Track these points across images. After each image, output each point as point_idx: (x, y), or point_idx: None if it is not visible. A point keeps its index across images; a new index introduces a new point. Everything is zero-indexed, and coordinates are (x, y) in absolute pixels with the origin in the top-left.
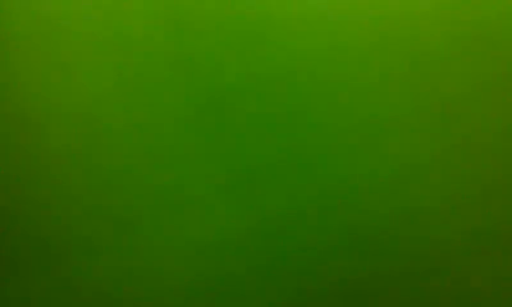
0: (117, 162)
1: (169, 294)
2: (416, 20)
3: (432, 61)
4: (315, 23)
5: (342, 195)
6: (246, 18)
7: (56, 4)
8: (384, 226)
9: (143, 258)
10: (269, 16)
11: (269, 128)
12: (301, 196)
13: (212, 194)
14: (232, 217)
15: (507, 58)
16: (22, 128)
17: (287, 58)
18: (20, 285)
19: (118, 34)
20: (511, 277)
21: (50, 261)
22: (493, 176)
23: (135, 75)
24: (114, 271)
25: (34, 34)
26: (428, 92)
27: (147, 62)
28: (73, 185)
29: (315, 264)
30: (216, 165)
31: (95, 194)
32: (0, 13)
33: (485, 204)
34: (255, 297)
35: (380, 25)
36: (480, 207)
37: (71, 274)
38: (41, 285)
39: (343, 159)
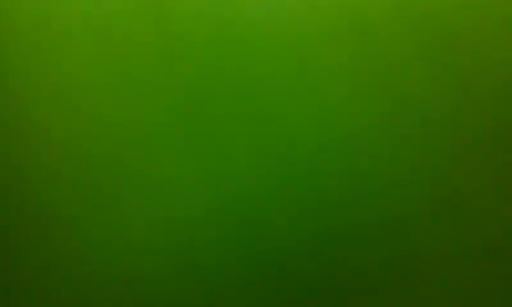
0: (97, 145)
1: (144, 267)
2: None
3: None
4: (297, 22)
5: (313, 171)
6: (229, 16)
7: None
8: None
9: (120, 235)
10: (252, 14)
11: (244, 116)
12: (273, 175)
13: (184, 174)
14: (203, 196)
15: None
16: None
17: (269, 56)
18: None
19: (99, 27)
20: (507, 279)
21: (34, 239)
22: (490, 180)
23: (116, 66)
24: (92, 246)
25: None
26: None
27: (128, 54)
28: (59, 167)
29: (287, 237)
30: (188, 148)
31: (77, 175)
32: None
33: (482, 207)
34: (226, 271)
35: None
36: (476, 209)
37: (53, 249)
38: (31, 258)
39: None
